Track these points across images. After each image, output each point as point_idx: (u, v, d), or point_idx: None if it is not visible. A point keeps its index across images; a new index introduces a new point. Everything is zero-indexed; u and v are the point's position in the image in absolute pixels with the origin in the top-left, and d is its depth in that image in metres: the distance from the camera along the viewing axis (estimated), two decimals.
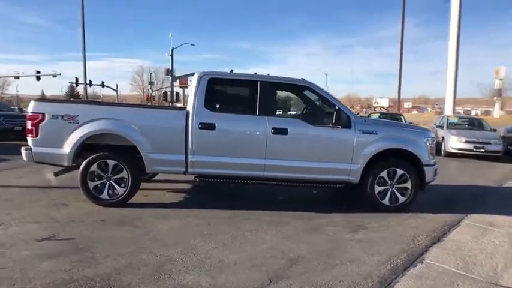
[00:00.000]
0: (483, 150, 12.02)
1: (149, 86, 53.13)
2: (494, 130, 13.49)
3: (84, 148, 5.17)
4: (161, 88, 60.25)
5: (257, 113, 5.30)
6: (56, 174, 5.49)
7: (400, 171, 5.45)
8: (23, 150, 5.23)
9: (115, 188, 5.22)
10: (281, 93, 6.12)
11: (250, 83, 5.47)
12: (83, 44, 21.96)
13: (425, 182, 5.55)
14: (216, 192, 6.55)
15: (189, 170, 5.28)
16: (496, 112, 53.76)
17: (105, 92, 48.42)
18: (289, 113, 6.27)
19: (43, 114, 5.09)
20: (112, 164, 5.18)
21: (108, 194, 5.22)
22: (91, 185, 5.20)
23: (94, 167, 5.17)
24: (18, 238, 3.95)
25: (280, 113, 6.11)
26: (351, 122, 5.34)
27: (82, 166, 5.15)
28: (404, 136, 5.56)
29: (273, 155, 5.27)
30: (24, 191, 6.07)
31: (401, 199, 5.50)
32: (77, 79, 36.55)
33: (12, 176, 7.41)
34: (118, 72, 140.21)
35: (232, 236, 4.28)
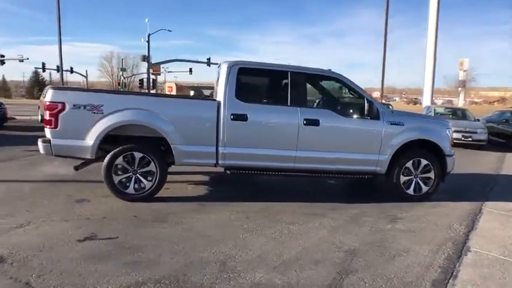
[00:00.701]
0: (470, 139, 12.56)
1: (121, 72, 51.40)
2: (478, 120, 14.10)
3: (106, 140, 4.88)
4: (133, 75, 58.40)
5: (288, 104, 5.20)
6: (77, 168, 5.16)
7: (424, 162, 5.56)
8: (40, 143, 4.86)
9: (141, 182, 4.98)
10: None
11: (280, 73, 5.34)
12: (58, 27, 20.58)
13: (446, 172, 5.70)
14: (236, 183, 6.41)
15: (220, 162, 5.12)
16: (461, 102, 56.28)
17: (72, 78, 46.21)
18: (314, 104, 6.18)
19: (63, 104, 4.73)
20: (139, 157, 4.92)
21: (134, 188, 4.97)
22: (116, 179, 4.92)
23: (120, 160, 4.90)
24: (57, 238, 3.67)
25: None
26: (380, 113, 5.36)
27: (107, 159, 4.86)
28: (429, 127, 5.66)
29: (304, 147, 5.21)
30: (33, 186, 5.65)
31: (425, 188, 5.63)
32: (43, 64, 34.57)
33: (10, 169, 6.92)
34: (84, 58, 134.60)
35: (278, 230, 4.20)
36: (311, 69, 5.47)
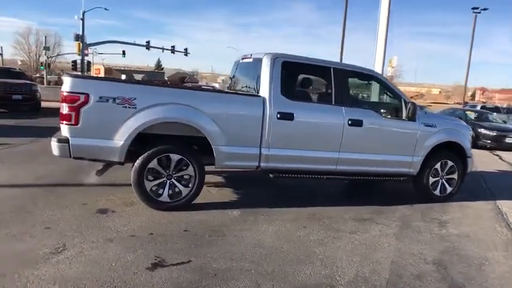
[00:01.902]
0: None
1: (44, 51, 46.18)
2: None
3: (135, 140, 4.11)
4: (58, 54, 52.85)
5: (333, 103, 4.89)
6: (99, 173, 4.30)
7: (450, 163, 5.67)
8: (54, 142, 3.92)
9: (176, 188, 4.31)
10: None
11: (323, 69, 4.98)
12: None
13: (466, 173, 5.90)
14: (256, 185, 5.92)
15: (262, 164, 4.63)
16: None
17: None
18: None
19: (87, 96, 3.84)
20: (176, 159, 4.24)
21: (168, 195, 4.29)
22: (148, 185, 4.19)
23: (154, 163, 4.17)
24: (121, 268, 2.94)
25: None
26: (416, 114, 5.30)
27: (139, 162, 4.11)
28: (456, 129, 5.77)
29: (346, 148, 4.94)
30: (31, 193, 4.61)
31: (449, 189, 5.75)
32: None
33: None
34: None
35: (347, 241, 3.91)
36: (353, 67, 5.20)
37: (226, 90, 4.96)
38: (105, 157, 4.08)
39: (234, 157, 4.48)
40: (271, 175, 4.70)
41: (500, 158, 11.47)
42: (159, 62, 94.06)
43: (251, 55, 5.16)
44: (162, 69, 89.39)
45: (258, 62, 4.83)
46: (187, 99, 4.24)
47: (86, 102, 3.85)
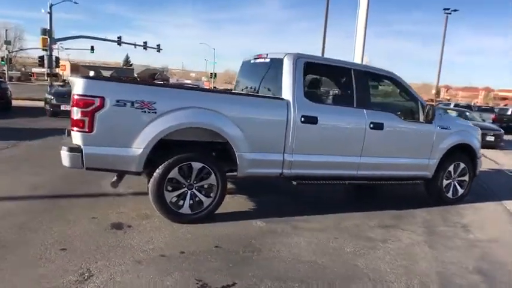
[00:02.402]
0: None
1: (5, 46, 43.57)
2: None
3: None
4: (21, 49, 50.00)
5: (354, 105, 4.71)
6: (114, 184, 3.89)
7: (462, 165, 5.65)
8: (65, 152, 3.48)
9: (197, 198, 3.98)
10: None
11: (344, 70, 4.77)
12: None
13: (475, 174, 5.91)
14: (272, 192, 5.60)
15: (285, 171, 4.38)
16: None
17: None
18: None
19: (102, 99, 3.44)
20: (198, 168, 3.91)
21: (189, 206, 3.95)
22: (168, 196, 3.84)
23: (175, 173, 3.82)
24: None
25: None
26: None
27: (159, 172, 3.74)
28: (468, 130, 5.75)
29: (367, 152, 4.78)
30: (30, 207, 4.12)
31: (460, 191, 5.73)
32: None
33: None
34: None
35: (385, 252, 3.74)
36: (371, 68, 5.04)
37: (249, 93, 4.65)
38: (121, 167, 3.68)
39: (257, 164, 4.20)
40: (294, 182, 4.45)
41: (485, 156, 11.81)
42: (127, 58, 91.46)
43: (267, 55, 4.88)
44: (131, 65, 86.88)
45: (277, 62, 4.57)
46: (210, 103, 3.91)
47: (101, 106, 3.44)
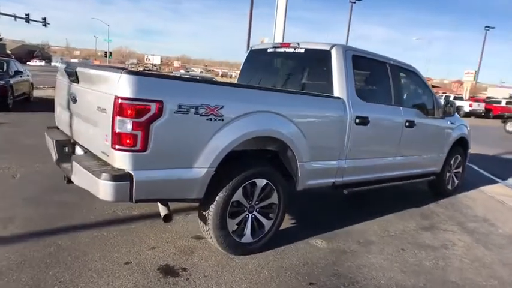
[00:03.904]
0: None
1: None
2: None
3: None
4: None
5: (393, 103, 4.40)
6: (168, 217, 2.87)
7: (459, 157, 5.86)
8: (104, 181, 2.40)
9: (257, 222, 3.25)
10: None
11: (383, 64, 4.39)
12: None
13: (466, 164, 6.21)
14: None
15: (337, 179, 3.86)
16: None
17: None
18: None
19: (160, 104, 2.45)
20: (261, 186, 3.16)
21: (251, 233, 3.20)
22: (231, 225, 3.04)
23: (238, 195, 3.01)
24: None
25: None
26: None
27: (223, 196, 2.90)
28: (464, 124, 5.93)
29: (402, 152, 4.56)
30: (28, 259, 2.85)
31: (456, 182, 5.97)
32: None
33: None
34: None
35: (453, 258, 3.58)
36: (400, 62, 4.74)
37: (303, 91, 3.93)
38: (179, 195, 2.74)
39: (315, 174, 3.61)
40: (345, 191, 3.98)
41: None
42: None
43: (298, 44, 4.21)
44: (1, 39, 73.75)
45: (319, 54, 3.96)
46: (276, 105, 3.15)
47: (158, 114, 2.45)
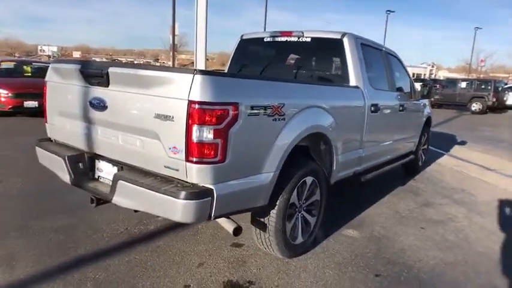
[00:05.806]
0: None
1: None
2: None
3: None
4: None
5: (388, 88, 4.56)
6: (238, 230, 2.56)
7: (426, 135, 6.35)
8: (185, 201, 2.05)
9: (306, 220, 3.14)
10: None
11: (380, 52, 4.51)
12: None
13: None
14: None
15: (357, 168, 3.90)
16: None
17: None
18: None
19: (236, 108, 2.17)
20: (309, 183, 3.04)
21: (302, 234, 3.08)
22: (288, 228, 2.88)
23: (294, 196, 2.86)
24: None
25: None
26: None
27: (283, 199, 2.72)
28: (427, 104, 6.41)
29: (396, 136, 4.81)
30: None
31: (423, 158, 6.49)
32: None
33: None
34: None
35: (471, 231, 3.90)
36: (388, 48, 4.89)
37: (332, 83, 3.80)
38: (251, 204, 2.49)
39: (344, 166, 3.60)
40: (362, 179, 4.05)
41: None
42: None
43: (302, 33, 4.09)
44: None
45: (329, 43, 3.90)
46: (317, 98, 3.03)
47: (235, 118, 2.18)
